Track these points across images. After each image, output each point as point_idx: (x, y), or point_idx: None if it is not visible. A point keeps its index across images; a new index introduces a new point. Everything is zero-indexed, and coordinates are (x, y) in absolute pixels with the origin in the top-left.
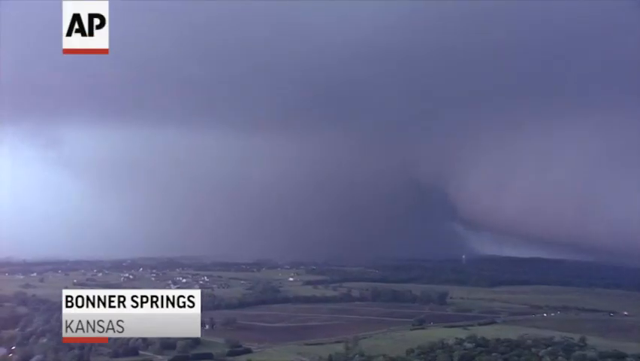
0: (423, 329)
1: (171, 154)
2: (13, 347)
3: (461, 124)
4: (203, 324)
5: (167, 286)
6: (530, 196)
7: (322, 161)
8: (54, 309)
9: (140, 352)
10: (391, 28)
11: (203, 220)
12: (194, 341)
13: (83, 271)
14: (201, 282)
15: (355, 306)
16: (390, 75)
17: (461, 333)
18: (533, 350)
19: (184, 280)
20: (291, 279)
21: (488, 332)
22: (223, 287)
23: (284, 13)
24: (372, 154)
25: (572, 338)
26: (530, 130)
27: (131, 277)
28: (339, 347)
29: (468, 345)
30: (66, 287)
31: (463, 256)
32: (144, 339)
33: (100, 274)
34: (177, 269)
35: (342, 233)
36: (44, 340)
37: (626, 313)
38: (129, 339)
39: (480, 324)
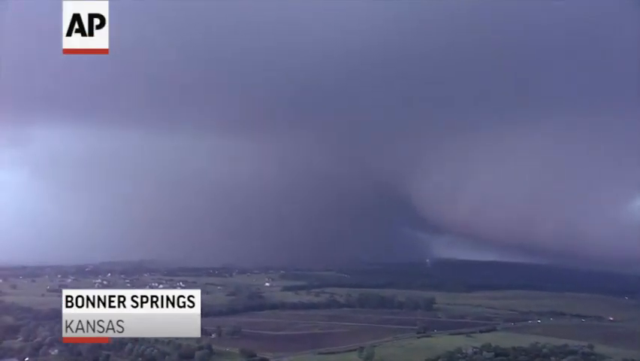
0: (429, 336)
1: (136, 156)
2: (26, 358)
3: (427, 128)
4: (209, 332)
5: None
6: (485, 200)
7: (289, 164)
8: (42, 318)
9: None
10: (366, 29)
11: (165, 224)
12: (210, 351)
13: (47, 276)
14: (178, 288)
15: (347, 313)
16: (361, 77)
17: (469, 341)
18: (553, 358)
19: (160, 286)
20: (267, 284)
21: (498, 340)
22: (203, 293)
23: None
24: (340, 158)
25: (584, 346)
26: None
27: (105, 282)
28: (354, 356)
29: (487, 354)
30: (42, 295)
31: (428, 260)
32: (158, 349)
33: (69, 280)
34: (145, 274)
35: (307, 237)
36: (55, 351)
37: (611, 318)
38: (145, 350)
39: (482, 331)
